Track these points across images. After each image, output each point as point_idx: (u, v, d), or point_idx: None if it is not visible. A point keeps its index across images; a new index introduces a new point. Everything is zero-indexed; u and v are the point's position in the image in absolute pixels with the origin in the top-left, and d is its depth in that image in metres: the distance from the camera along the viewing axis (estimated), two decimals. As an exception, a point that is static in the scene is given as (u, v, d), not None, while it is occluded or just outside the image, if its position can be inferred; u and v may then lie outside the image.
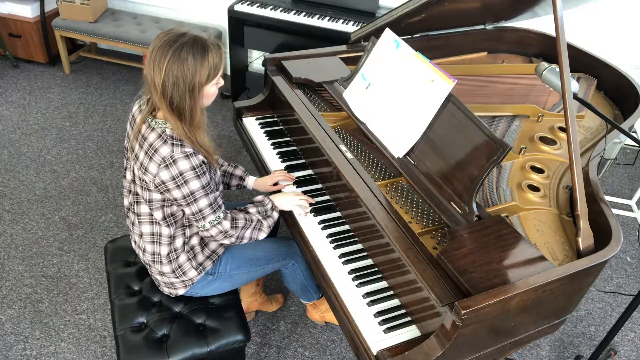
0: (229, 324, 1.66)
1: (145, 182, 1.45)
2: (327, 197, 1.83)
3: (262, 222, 1.63)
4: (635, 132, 2.11)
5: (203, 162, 1.45)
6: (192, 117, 1.42)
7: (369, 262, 1.61)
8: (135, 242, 1.67)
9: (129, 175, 1.56)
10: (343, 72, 2.04)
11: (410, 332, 1.41)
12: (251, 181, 1.88)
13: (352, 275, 1.56)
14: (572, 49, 2.31)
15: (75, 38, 3.81)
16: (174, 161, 1.39)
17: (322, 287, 1.60)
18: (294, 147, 2.04)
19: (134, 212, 1.58)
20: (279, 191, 1.84)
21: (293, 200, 1.71)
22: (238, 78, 3.69)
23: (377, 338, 1.39)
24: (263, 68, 3.76)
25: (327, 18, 3.13)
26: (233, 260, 1.71)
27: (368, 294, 1.51)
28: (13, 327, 2.15)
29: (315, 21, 3.11)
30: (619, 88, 2.31)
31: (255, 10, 3.20)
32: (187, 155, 1.40)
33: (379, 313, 1.45)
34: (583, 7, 2.44)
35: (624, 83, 2.29)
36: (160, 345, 1.58)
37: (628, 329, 2.40)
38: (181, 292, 1.66)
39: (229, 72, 3.68)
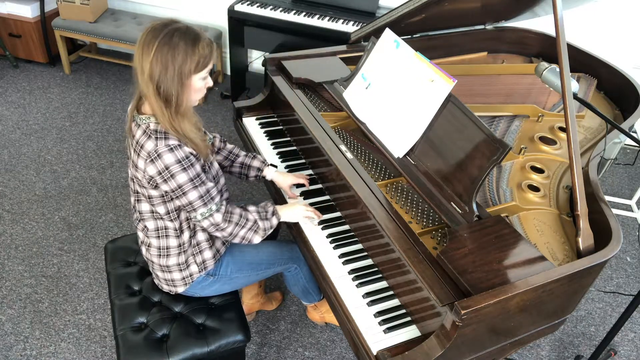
0: (229, 324, 1.66)
1: (138, 179, 1.47)
2: (327, 197, 1.83)
3: (258, 225, 1.58)
4: (635, 132, 2.11)
5: (191, 153, 1.43)
6: (179, 104, 1.40)
7: (369, 262, 1.61)
8: (139, 239, 1.67)
9: (130, 173, 1.56)
10: (343, 72, 2.04)
11: (410, 332, 1.41)
12: (270, 171, 1.83)
13: (352, 275, 1.56)
14: (572, 49, 2.31)
15: (75, 38, 3.81)
16: (158, 155, 1.38)
17: (322, 287, 1.60)
18: (294, 147, 2.04)
19: (137, 210, 1.58)
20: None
21: (300, 212, 1.67)
22: (238, 78, 3.68)
23: (377, 338, 1.39)
24: (263, 68, 3.75)
25: (327, 18, 3.13)
26: (234, 263, 1.71)
27: (368, 294, 1.51)
28: (13, 327, 2.15)
29: (315, 21, 3.11)
30: (619, 88, 2.31)
31: (255, 10, 3.20)
32: (172, 149, 1.39)
33: (379, 313, 1.45)
34: (583, 7, 2.44)
35: (624, 83, 2.29)
36: (160, 345, 1.58)
37: (628, 329, 2.40)
38: (180, 289, 1.66)
39: (228, 72, 3.68)
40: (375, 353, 1.35)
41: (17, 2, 3.60)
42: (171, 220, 1.54)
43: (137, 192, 1.53)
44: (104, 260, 1.91)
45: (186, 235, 1.58)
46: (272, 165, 1.87)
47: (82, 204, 2.76)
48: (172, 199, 1.50)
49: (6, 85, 3.69)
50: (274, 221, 1.63)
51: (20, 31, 3.71)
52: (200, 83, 1.44)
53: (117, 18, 3.70)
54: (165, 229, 1.56)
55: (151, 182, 1.44)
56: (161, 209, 1.51)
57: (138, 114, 1.45)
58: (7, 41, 3.77)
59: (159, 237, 1.57)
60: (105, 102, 3.61)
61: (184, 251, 1.60)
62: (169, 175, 1.40)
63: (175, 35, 1.34)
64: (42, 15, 3.65)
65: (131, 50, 3.87)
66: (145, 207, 1.54)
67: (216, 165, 1.61)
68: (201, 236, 1.61)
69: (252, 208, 1.61)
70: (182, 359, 1.56)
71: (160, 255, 1.60)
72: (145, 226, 1.58)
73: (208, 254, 1.64)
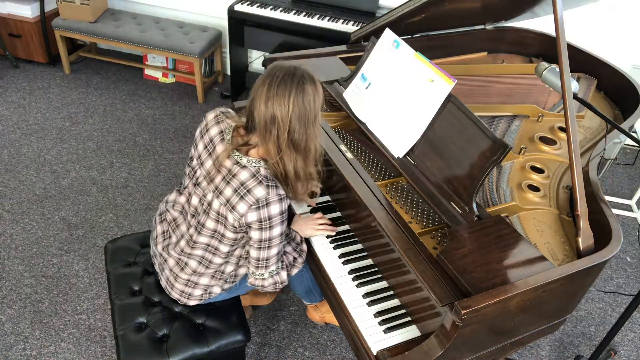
0: (229, 324, 1.66)
1: (226, 219, 1.42)
2: (327, 198, 1.82)
3: (297, 259, 1.61)
4: (635, 132, 2.11)
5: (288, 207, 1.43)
6: (311, 149, 1.40)
7: (368, 262, 1.61)
8: (170, 256, 1.61)
9: (194, 201, 1.50)
10: (343, 72, 2.04)
11: (410, 332, 1.41)
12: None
13: (352, 275, 1.56)
14: (572, 49, 2.31)
15: (75, 38, 3.81)
16: (267, 203, 1.35)
17: (322, 287, 1.60)
18: (294, 147, 2.04)
19: (188, 238, 1.55)
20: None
21: (313, 226, 1.67)
22: (238, 78, 3.68)
23: (377, 338, 1.39)
24: (263, 68, 3.75)
25: (327, 18, 3.13)
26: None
27: (368, 294, 1.51)
28: (13, 327, 2.15)
29: (315, 21, 3.11)
30: (619, 88, 2.31)
31: (255, 10, 3.20)
32: (281, 199, 1.37)
33: (379, 313, 1.45)
34: (583, 7, 2.44)
35: (624, 83, 2.29)
36: (160, 345, 1.58)
37: (628, 329, 2.40)
38: (192, 303, 1.64)
39: (228, 72, 3.68)
40: (375, 353, 1.36)
41: (17, 2, 3.60)
42: (223, 258, 1.53)
43: (204, 226, 1.48)
44: (104, 260, 1.91)
45: (228, 269, 1.58)
46: None
47: (82, 204, 2.76)
48: (243, 246, 1.49)
49: (6, 85, 3.69)
50: (304, 247, 1.66)
51: (20, 31, 3.71)
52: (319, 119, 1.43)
53: (117, 18, 3.70)
54: (210, 262, 1.55)
55: (242, 227, 1.40)
56: (224, 248, 1.50)
57: (242, 155, 1.40)
58: (7, 41, 3.77)
59: (200, 263, 1.56)
60: (105, 102, 3.61)
61: (218, 279, 1.60)
62: (268, 225, 1.38)
63: (302, 81, 1.33)
64: (42, 15, 3.65)
65: (131, 50, 3.88)
66: (204, 240, 1.50)
67: None
68: (241, 270, 1.61)
69: (289, 249, 1.61)
70: (182, 359, 1.57)
71: (194, 273, 1.58)
72: (192, 252, 1.54)
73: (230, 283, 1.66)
